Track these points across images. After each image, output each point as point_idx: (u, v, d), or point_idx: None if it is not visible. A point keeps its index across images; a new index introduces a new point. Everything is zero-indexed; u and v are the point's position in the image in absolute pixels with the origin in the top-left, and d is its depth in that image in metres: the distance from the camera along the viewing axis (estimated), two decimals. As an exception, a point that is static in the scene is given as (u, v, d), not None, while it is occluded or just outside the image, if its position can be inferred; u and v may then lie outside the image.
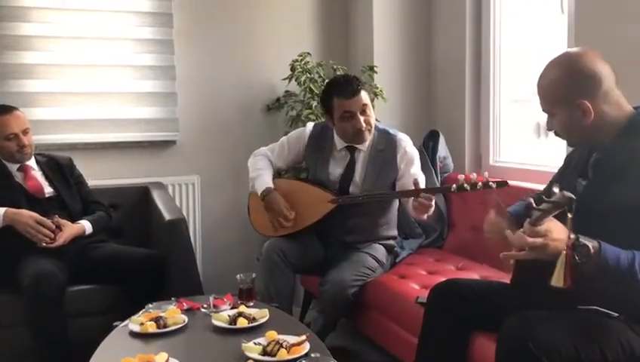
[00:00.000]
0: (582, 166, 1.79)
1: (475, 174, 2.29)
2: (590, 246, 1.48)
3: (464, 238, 3.07)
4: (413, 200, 2.51)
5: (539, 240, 1.48)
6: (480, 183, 2.30)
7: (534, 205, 1.51)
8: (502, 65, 3.29)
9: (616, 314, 1.61)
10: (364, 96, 2.74)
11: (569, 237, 1.46)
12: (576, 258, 1.47)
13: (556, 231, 1.49)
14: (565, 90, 1.67)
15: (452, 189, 2.36)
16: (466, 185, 2.33)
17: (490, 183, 2.27)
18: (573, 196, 1.44)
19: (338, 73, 3.49)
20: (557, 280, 1.46)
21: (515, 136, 3.29)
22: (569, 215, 1.45)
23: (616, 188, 1.61)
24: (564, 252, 1.46)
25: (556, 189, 1.48)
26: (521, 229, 1.54)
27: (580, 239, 1.49)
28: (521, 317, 1.62)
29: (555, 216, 1.50)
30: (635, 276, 1.47)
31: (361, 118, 2.73)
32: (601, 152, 1.70)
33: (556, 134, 1.77)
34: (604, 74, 1.65)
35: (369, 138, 2.81)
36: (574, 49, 1.73)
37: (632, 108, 1.70)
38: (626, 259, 1.49)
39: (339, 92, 2.74)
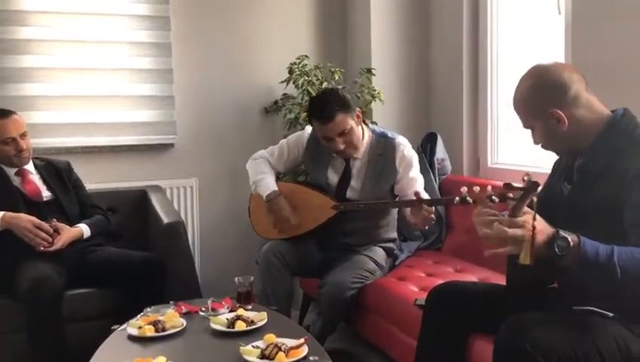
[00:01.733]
0: (567, 171, 1.82)
1: (478, 187, 2.29)
2: (570, 240, 1.50)
3: (463, 241, 3.07)
4: (413, 211, 2.50)
5: (519, 231, 1.50)
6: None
7: (511, 195, 1.55)
8: (499, 67, 3.29)
9: (612, 314, 1.63)
10: (340, 120, 2.64)
11: (534, 219, 1.50)
12: (557, 250, 1.50)
13: (536, 223, 1.51)
14: (535, 102, 1.73)
15: (455, 202, 2.36)
16: (469, 198, 2.32)
17: (493, 198, 2.26)
18: (537, 181, 1.50)
19: (336, 76, 3.50)
20: (523, 258, 1.50)
21: (513, 138, 3.30)
22: (534, 199, 1.51)
23: (598, 189, 1.66)
24: (530, 233, 1.49)
25: (526, 177, 1.52)
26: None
27: (560, 232, 1.51)
28: (519, 319, 1.63)
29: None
30: (614, 268, 1.49)
31: (339, 140, 2.69)
32: (585, 156, 1.74)
33: (543, 147, 1.82)
34: (569, 81, 1.70)
35: (358, 152, 2.79)
36: (539, 63, 1.78)
37: (610, 112, 1.74)
38: (605, 252, 1.50)
39: (314, 115, 2.70)
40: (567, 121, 1.69)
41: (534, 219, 1.50)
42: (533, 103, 1.74)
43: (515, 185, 1.53)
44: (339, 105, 2.66)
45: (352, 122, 2.69)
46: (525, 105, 1.76)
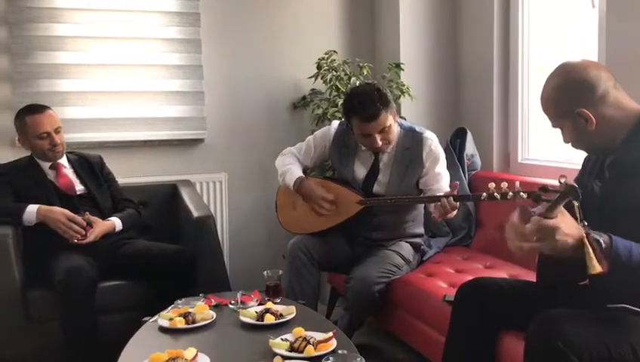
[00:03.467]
0: (598, 168, 1.80)
1: (505, 183, 2.26)
2: (602, 241, 1.48)
3: (492, 237, 3.04)
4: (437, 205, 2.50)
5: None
6: (510, 193, 2.27)
7: (542, 197, 1.51)
8: (530, 60, 3.25)
9: (647, 312, 1.60)
10: (383, 118, 2.63)
11: (582, 225, 1.46)
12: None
13: (566, 226, 1.46)
14: (562, 103, 1.71)
15: (482, 198, 2.34)
16: (496, 194, 2.30)
17: (522, 194, 2.24)
18: (575, 184, 1.46)
19: (364, 71, 3.49)
20: (592, 268, 1.44)
21: (544, 133, 3.25)
22: (575, 203, 1.47)
23: (630, 186, 1.63)
24: (585, 240, 1.45)
25: (562, 180, 1.49)
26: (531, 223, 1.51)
27: (591, 234, 1.48)
28: (550, 316, 1.61)
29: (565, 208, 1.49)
30: None
31: (379, 137, 2.68)
32: (616, 154, 1.71)
33: (573, 146, 1.79)
34: (596, 80, 1.67)
35: (389, 148, 2.78)
36: (566, 62, 1.75)
37: None
38: (638, 252, 1.48)
39: (357, 113, 2.65)
40: (595, 121, 1.66)
41: (583, 225, 1.47)
42: (559, 103, 1.71)
43: (551, 187, 1.49)
44: (382, 103, 2.64)
45: (391, 119, 2.69)
46: (552, 105, 1.74)
